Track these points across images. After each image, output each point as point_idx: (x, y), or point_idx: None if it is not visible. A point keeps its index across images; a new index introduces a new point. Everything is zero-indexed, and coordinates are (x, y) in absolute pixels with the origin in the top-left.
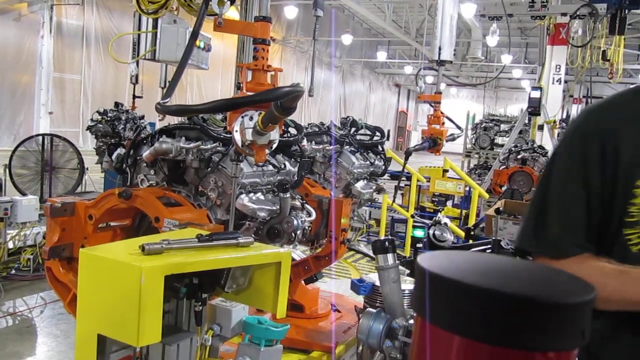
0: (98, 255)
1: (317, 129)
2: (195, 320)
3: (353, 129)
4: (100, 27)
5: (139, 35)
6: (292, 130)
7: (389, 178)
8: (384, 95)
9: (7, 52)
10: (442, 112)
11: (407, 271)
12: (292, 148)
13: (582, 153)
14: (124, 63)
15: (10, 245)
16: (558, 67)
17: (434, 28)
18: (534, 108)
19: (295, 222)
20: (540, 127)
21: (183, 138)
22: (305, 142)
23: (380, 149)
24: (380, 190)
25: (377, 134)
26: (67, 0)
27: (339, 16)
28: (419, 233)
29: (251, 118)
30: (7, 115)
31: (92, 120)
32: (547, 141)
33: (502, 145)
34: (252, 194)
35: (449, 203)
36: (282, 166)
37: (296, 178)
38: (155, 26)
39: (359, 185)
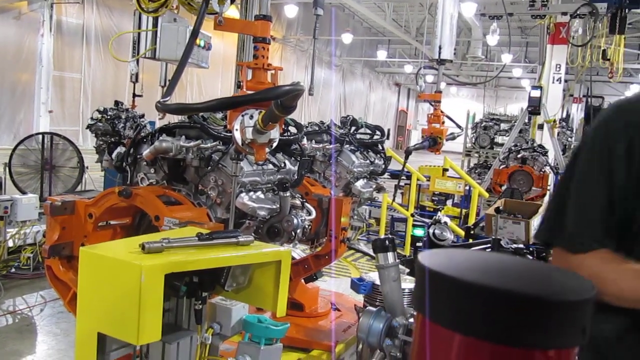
0: (98, 254)
1: (317, 128)
2: (195, 318)
3: (353, 128)
4: (100, 25)
5: (139, 33)
6: (292, 129)
7: (388, 177)
8: (384, 94)
9: (7, 50)
10: (442, 111)
11: (407, 270)
12: (292, 147)
13: (608, 146)
14: (124, 61)
15: (10, 243)
16: (558, 66)
17: (434, 27)
18: (534, 107)
19: (295, 220)
20: (540, 127)
21: (183, 137)
22: (305, 141)
23: (380, 147)
24: (380, 189)
25: (377, 132)
26: None
27: (339, 15)
28: (419, 232)
29: (251, 117)
30: (7, 114)
31: (92, 118)
32: (547, 140)
33: (502, 145)
34: (252, 193)
35: (449, 202)
36: (282, 165)
37: (296, 177)
38: (155, 25)
39: (359, 184)
